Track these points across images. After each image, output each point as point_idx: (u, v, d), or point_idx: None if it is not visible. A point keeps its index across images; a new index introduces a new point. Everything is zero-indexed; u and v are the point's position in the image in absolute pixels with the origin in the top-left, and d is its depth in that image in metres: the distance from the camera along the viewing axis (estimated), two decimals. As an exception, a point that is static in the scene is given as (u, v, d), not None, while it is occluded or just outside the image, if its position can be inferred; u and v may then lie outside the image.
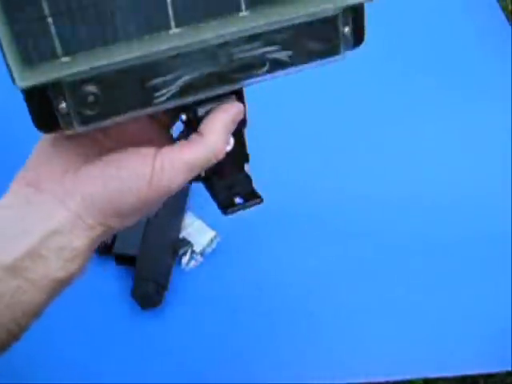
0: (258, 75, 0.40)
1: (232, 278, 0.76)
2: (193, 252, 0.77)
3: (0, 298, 0.36)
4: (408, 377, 0.71)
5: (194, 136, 0.40)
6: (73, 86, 0.36)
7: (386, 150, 0.90)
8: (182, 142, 0.40)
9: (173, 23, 0.36)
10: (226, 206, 0.44)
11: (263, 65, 0.40)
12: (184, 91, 0.38)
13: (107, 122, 0.38)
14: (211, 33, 0.37)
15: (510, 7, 1.47)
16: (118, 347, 0.72)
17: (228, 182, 0.44)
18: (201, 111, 0.40)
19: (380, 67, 1.00)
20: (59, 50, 0.34)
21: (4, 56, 0.34)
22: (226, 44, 0.38)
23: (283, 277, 0.77)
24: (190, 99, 0.39)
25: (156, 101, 0.38)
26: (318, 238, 0.81)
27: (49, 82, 0.35)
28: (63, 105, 0.36)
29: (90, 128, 0.37)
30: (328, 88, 0.95)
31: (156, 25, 0.36)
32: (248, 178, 0.45)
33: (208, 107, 0.40)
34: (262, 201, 0.44)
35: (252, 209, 0.45)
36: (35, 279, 0.37)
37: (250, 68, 0.40)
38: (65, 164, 0.38)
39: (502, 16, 1.11)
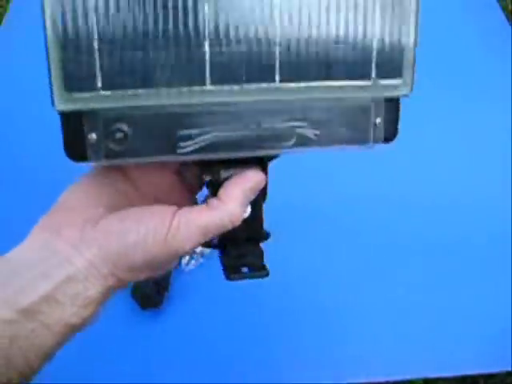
0: (283, 147, 0.40)
1: (232, 278, 0.76)
2: (193, 252, 0.77)
3: (14, 340, 0.36)
4: (408, 377, 0.71)
5: (212, 200, 0.40)
6: (106, 120, 0.38)
7: (386, 150, 0.90)
8: (201, 205, 0.40)
9: (208, 80, 0.38)
10: (232, 272, 0.44)
11: (290, 138, 0.40)
12: (208, 148, 0.39)
13: (130, 161, 0.39)
14: (243, 97, 0.38)
15: (510, 7, 1.47)
16: (118, 347, 0.72)
17: (240, 252, 0.44)
18: (223, 175, 0.41)
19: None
20: (100, 83, 0.37)
21: (50, 79, 0.36)
22: (255, 110, 0.39)
23: (283, 277, 0.77)
24: (213, 156, 0.40)
25: (180, 151, 0.39)
26: (318, 238, 0.81)
27: (84, 111, 0.37)
28: (93, 135, 0.38)
29: (113, 163, 0.39)
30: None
31: (192, 79, 0.38)
32: (260, 252, 0.45)
33: (231, 172, 0.41)
34: (267, 275, 0.45)
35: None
36: (50, 323, 0.37)
37: (276, 138, 0.40)
38: (87, 213, 0.39)
39: (502, 16, 1.12)
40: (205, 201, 0.43)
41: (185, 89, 0.38)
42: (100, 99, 0.37)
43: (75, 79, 0.36)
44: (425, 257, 0.79)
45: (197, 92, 0.38)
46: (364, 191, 0.84)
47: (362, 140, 0.42)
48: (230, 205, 0.39)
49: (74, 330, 0.39)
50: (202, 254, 0.77)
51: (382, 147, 0.93)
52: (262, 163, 0.42)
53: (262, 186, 0.42)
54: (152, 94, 0.37)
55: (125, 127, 0.38)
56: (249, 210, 0.42)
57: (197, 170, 0.44)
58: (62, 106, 0.37)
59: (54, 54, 0.36)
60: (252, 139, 0.40)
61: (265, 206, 0.45)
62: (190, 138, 0.39)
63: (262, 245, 0.46)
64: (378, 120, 0.42)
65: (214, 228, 0.39)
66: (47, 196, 0.41)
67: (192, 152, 0.39)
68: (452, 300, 0.75)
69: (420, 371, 0.71)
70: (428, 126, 0.93)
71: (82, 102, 0.37)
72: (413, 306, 0.74)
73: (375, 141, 0.43)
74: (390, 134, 0.43)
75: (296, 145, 0.41)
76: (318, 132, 0.41)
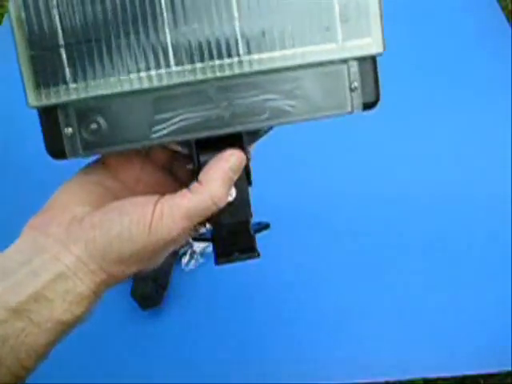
0: (256, 122, 0.40)
1: (232, 278, 0.76)
2: (193, 252, 0.77)
3: (5, 340, 0.36)
4: (408, 377, 0.71)
5: (194, 184, 0.40)
6: (79, 112, 0.39)
7: (386, 150, 0.90)
8: (183, 190, 0.40)
9: (172, 61, 0.39)
10: (222, 256, 0.44)
11: (262, 112, 0.40)
12: (181, 130, 0.40)
13: (107, 151, 0.40)
14: (208, 74, 0.39)
15: (510, 7, 1.47)
16: (118, 347, 0.72)
17: (230, 238, 0.44)
18: (202, 159, 0.41)
19: (379, 67, 1.00)
20: (68, 77, 0.38)
21: (21, 77, 0.38)
22: (224, 88, 0.40)
23: (283, 277, 0.77)
24: (186, 137, 0.40)
25: (153, 135, 0.40)
26: (318, 238, 0.81)
27: (57, 105, 0.39)
28: (69, 129, 0.39)
29: (90, 154, 0.40)
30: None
31: (157, 62, 0.39)
32: (250, 235, 0.44)
33: (209, 156, 0.41)
34: (258, 256, 0.44)
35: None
36: (40, 321, 0.37)
37: (248, 114, 0.40)
38: (74, 211, 0.40)
39: (501, 16, 1.11)
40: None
41: (152, 72, 0.39)
42: (70, 92, 0.38)
43: (44, 75, 0.38)
44: (425, 257, 0.79)
45: (163, 75, 0.39)
46: (363, 190, 0.84)
47: (340, 107, 0.41)
48: (210, 186, 0.39)
49: (66, 327, 0.38)
50: (201, 254, 0.77)
51: (382, 146, 0.93)
52: (240, 144, 0.41)
53: (242, 164, 0.41)
54: (120, 82, 0.39)
55: (98, 117, 0.39)
56: (234, 193, 0.42)
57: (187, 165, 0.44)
58: (35, 102, 0.38)
59: (22, 52, 0.37)
60: (224, 117, 0.40)
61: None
62: (162, 121, 0.40)
63: (257, 235, 0.46)
64: (355, 84, 0.41)
65: (198, 212, 0.39)
66: (40, 197, 0.41)
67: (166, 135, 0.40)
68: (452, 300, 0.75)
69: (420, 371, 0.71)
70: (428, 125, 0.93)
71: (54, 96, 0.38)
72: (413, 306, 0.74)
73: (354, 107, 0.41)
74: (370, 98, 0.42)
75: (270, 118, 0.40)
76: (293, 103, 0.40)
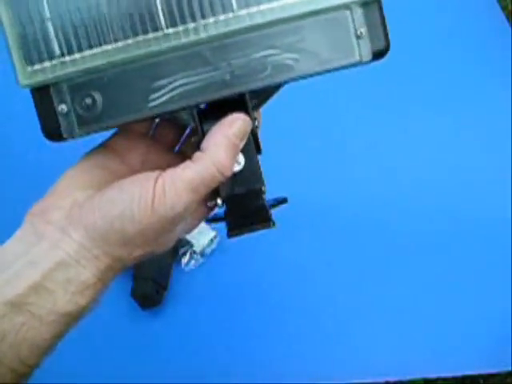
0: (258, 80, 0.38)
1: (232, 278, 0.76)
2: (193, 252, 0.77)
3: (3, 337, 0.34)
4: (408, 377, 0.71)
5: (196, 153, 0.37)
6: (72, 88, 0.37)
7: (386, 150, 0.90)
8: (186, 162, 0.37)
9: (163, 24, 0.37)
10: (234, 229, 0.42)
11: (263, 69, 0.38)
12: (181, 96, 0.38)
13: (105, 126, 0.38)
14: (202, 34, 0.37)
15: (509, 7, 1.47)
16: (118, 347, 0.72)
17: (243, 210, 0.41)
18: (205, 128, 0.39)
19: (379, 68, 1.00)
20: (58, 50, 0.36)
21: (10, 56, 0.36)
22: (221, 47, 0.37)
23: (283, 277, 0.77)
24: (187, 104, 0.38)
25: (152, 104, 0.38)
26: (318, 238, 0.81)
27: (49, 82, 0.37)
28: (63, 106, 0.37)
29: (88, 131, 0.38)
30: (335, 89, 0.95)
31: (147, 26, 0.37)
32: (265, 207, 0.42)
33: (214, 124, 0.38)
34: (273, 225, 0.42)
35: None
36: (42, 315, 0.35)
37: (248, 73, 0.38)
38: (75, 196, 0.38)
39: (502, 16, 1.11)
40: None
41: (141, 38, 0.37)
42: (61, 66, 0.37)
43: (33, 51, 0.36)
44: (425, 257, 0.78)
45: (154, 39, 0.37)
46: (362, 191, 0.84)
47: (347, 56, 0.38)
48: (213, 153, 0.36)
49: (71, 319, 0.36)
50: (202, 254, 0.77)
51: (382, 146, 0.93)
52: (244, 108, 0.39)
53: (247, 129, 0.39)
54: (111, 51, 0.37)
55: (92, 91, 0.38)
56: (242, 161, 0.40)
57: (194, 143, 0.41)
58: (25, 81, 0.37)
59: (10, 31, 0.36)
60: (224, 78, 0.38)
61: None
62: (159, 89, 0.38)
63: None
64: (361, 30, 0.38)
65: (203, 182, 0.36)
66: (42, 186, 0.40)
67: (164, 103, 0.38)
68: (452, 300, 0.75)
69: (420, 371, 0.71)
70: (427, 125, 0.93)
71: (44, 73, 0.37)
72: (413, 306, 0.74)
73: (363, 55, 0.39)
74: (379, 46, 0.39)
75: (273, 75, 0.38)
76: (296, 56, 0.38)
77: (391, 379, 0.70)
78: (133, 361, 0.71)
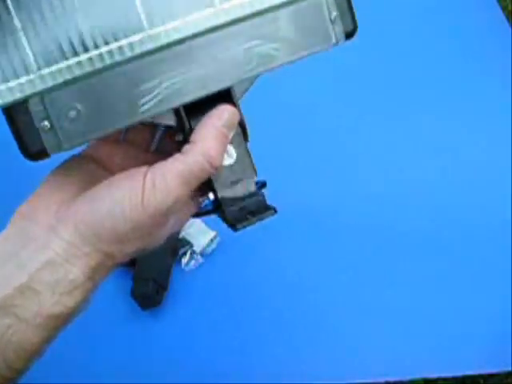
0: (246, 72, 0.38)
1: (232, 278, 0.76)
2: (193, 252, 0.77)
3: None
4: (408, 377, 0.71)
5: (185, 146, 0.37)
6: (53, 102, 0.35)
7: (386, 150, 0.90)
8: (175, 155, 0.37)
9: (146, 25, 0.36)
10: (236, 222, 0.41)
11: (250, 61, 0.38)
12: (170, 97, 0.37)
13: (94, 137, 0.37)
14: (186, 31, 0.36)
15: (509, 7, 1.47)
16: (118, 347, 0.72)
17: (239, 202, 0.41)
18: (193, 124, 0.38)
19: (380, 68, 1.00)
20: (34, 63, 0.34)
21: None
22: (205, 44, 0.37)
23: (283, 277, 0.77)
24: (178, 103, 0.37)
25: (142, 109, 0.37)
26: (318, 238, 0.81)
27: (29, 98, 0.35)
28: (45, 122, 0.35)
29: (76, 144, 0.36)
30: (335, 89, 0.95)
31: (128, 29, 0.35)
32: (260, 194, 0.42)
33: (201, 119, 0.38)
34: (275, 212, 0.41)
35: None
36: (28, 317, 0.34)
37: (236, 66, 0.38)
38: (61, 196, 0.37)
39: (501, 16, 1.11)
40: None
41: (123, 42, 0.35)
42: (40, 80, 0.34)
43: (8, 66, 0.34)
44: (425, 256, 0.78)
45: (137, 42, 0.35)
46: (362, 191, 0.84)
47: (325, 40, 0.40)
48: (203, 144, 0.36)
49: (59, 321, 0.35)
50: (201, 254, 0.77)
51: (382, 146, 0.93)
52: (230, 100, 0.39)
53: (235, 120, 0.39)
54: (93, 58, 0.35)
55: (75, 103, 0.35)
56: (234, 154, 0.40)
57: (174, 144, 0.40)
58: (4, 99, 0.34)
59: None
60: (212, 74, 0.37)
61: None
62: (148, 92, 0.36)
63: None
64: (334, 14, 0.39)
65: (193, 174, 0.36)
66: (30, 184, 0.39)
67: (156, 105, 0.37)
68: (452, 300, 0.75)
69: (420, 371, 0.71)
70: (427, 125, 0.93)
71: (23, 89, 0.34)
72: (413, 306, 0.74)
73: (338, 38, 0.40)
74: (349, 27, 0.41)
75: (259, 65, 0.38)
76: (277, 46, 0.38)
77: (391, 379, 0.70)
78: (133, 361, 0.71)
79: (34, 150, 0.35)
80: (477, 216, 0.82)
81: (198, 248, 0.77)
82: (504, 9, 1.17)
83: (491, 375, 0.75)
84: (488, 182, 0.86)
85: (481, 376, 0.80)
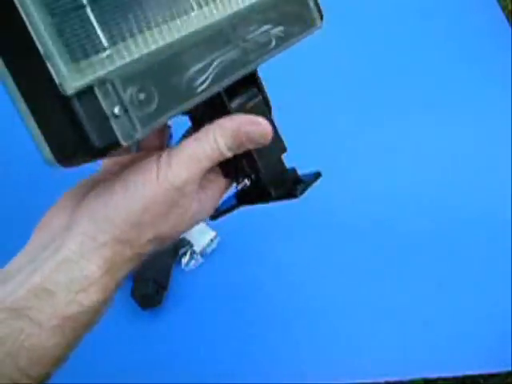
0: (269, 53, 0.40)
1: (232, 278, 0.76)
2: (193, 252, 0.77)
3: (1, 344, 0.31)
4: (408, 377, 0.71)
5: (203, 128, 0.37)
6: (124, 83, 0.32)
7: (385, 150, 0.90)
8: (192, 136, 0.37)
9: (195, 5, 0.36)
10: (295, 189, 0.44)
11: (270, 42, 0.40)
12: (218, 77, 0.37)
13: (163, 120, 0.34)
14: (223, 12, 0.38)
15: (510, 7, 1.47)
16: (118, 347, 0.72)
17: (277, 176, 0.43)
18: (233, 106, 0.40)
19: (379, 68, 1.00)
20: (104, 41, 0.31)
21: (46, 59, 0.29)
22: (235, 25, 0.38)
23: (283, 277, 0.77)
24: (224, 85, 0.38)
25: (200, 89, 0.36)
26: (318, 238, 0.81)
27: (99, 81, 0.31)
28: (117, 108, 0.32)
29: (149, 129, 0.33)
30: (334, 89, 0.95)
31: (180, 8, 0.36)
32: (294, 171, 0.45)
33: (238, 101, 0.40)
34: (320, 175, 0.47)
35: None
36: (42, 320, 0.32)
37: (261, 46, 0.40)
38: (75, 198, 0.36)
39: (502, 16, 1.11)
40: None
41: (178, 21, 0.35)
42: (111, 60, 0.31)
43: (76, 44, 0.30)
44: (425, 257, 0.78)
45: (188, 21, 0.36)
46: (362, 191, 0.84)
47: (312, 25, 0.44)
48: (217, 123, 0.37)
49: (76, 323, 0.33)
50: (201, 254, 0.77)
51: (382, 146, 0.93)
52: (254, 79, 0.42)
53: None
54: (156, 36, 0.34)
55: (144, 84, 0.33)
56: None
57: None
58: (75, 83, 0.30)
59: (40, 21, 0.29)
60: (245, 54, 0.39)
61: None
62: (201, 73, 0.36)
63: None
64: (311, 2, 0.43)
65: (206, 154, 0.36)
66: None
67: (209, 86, 0.37)
68: (452, 300, 0.75)
69: (420, 371, 0.71)
70: (427, 125, 0.93)
71: (94, 70, 0.31)
72: (413, 306, 0.74)
73: (321, 21, 0.44)
74: (321, 12, 0.45)
75: (275, 47, 0.41)
76: (282, 29, 0.41)
77: (391, 379, 0.70)
78: (133, 361, 0.71)
79: (103, 142, 0.31)
80: (477, 216, 0.82)
81: (197, 248, 0.77)
82: (504, 9, 1.17)
83: (491, 375, 0.75)
84: (488, 182, 0.86)
85: (481, 376, 0.80)
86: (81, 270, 0.33)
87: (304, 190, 0.45)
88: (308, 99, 0.92)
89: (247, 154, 0.40)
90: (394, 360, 0.70)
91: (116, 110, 0.31)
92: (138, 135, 0.33)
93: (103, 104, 0.31)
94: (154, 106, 0.33)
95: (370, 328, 0.73)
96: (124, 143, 0.32)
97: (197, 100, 0.36)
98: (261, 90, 0.42)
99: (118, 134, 0.32)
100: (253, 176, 0.42)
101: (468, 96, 0.97)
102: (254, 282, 0.77)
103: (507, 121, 0.93)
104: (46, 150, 0.32)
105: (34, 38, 0.29)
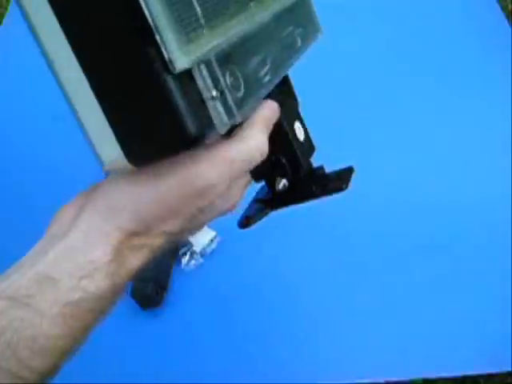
0: (299, 51, 0.41)
1: (232, 278, 0.76)
2: (193, 252, 0.77)
3: (0, 334, 0.29)
4: (408, 377, 0.71)
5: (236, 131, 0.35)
6: (219, 64, 0.30)
7: (385, 150, 0.90)
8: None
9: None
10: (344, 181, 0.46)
11: (296, 42, 0.41)
12: (274, 71, 0.36)
13: (250, 105, 0.33)
14: (269, 11, 0.38)
15: (509, 7, 1.47)
16: (118, 347, 0.72)
17: (321, 175, 0.45)
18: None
19: (380, 68, 1.00)
20: (202, 19, 0.29)
21: (157, 37, 0.27)
22: (272, 24, 0.38)
23: (283, 277, 0.77)
24: (278, 79, 0.37)
25: (265, 80, 0.35)
26: (318, 238, 0.81)
27: (199, 61, 0.28)
28: (213, 91, 0.29)
29: (243, 113, 0.31)
30: (334, 89, 0.95)
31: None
32: (320, 168, 0.46)
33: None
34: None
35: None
36: (43, 308, 0.30)
37: (291, 45, 0.40)
38: (87, 196, 0.35)
39: (501, 16, 1.12)
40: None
41: (252, 4, 0.35)
42: (209, 38, 0.29)
43: (186, 20, 0.28)
44: (424, 257, 0.78)
45: (249, 13, 0.35)
46: (362, 192, 0.84)
47: (318, 29, 0.45)
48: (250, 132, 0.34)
49: (80, 311, 0.31)
50: (202, 254, 0.77)
51: (382, 148, 0.93)
52: (287, 85, 0.42)
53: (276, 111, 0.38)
54: (245, 17, 0.33)
55: (234, 66, 0.31)
56: (302, 131, 0.43)
57: None
58: (185, 59, 0.27)
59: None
60: (283, 52, 0.39)
61: None
62: (263, 64, 0.35)
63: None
64: (313, 9, 0.44)
65: (240, 156, 0.33)
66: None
67: (272, 78, 0.36)
68: (452, 300, 0.75)
69: (420, 371, 0.71)
70: (428, 125, 0.93)
71: (200, 46, 0.28)
72: (413, 306, 0.74)
73: (320, 28, 0.45)
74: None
75: (302, 47, 0.41)
76: (301, 31, 0.42)
77: (391, 379, 0.70)
78: (133, 361, 0.71)
79: (199, 130, 0.28)
80: (477, 216, 0.82)
81: (197, 248, 0.77)
82: (504, 9, 1.17)
83: (491, 375, 0.75)
84: (488, 182, 0.86)
85: (481, 376, 0.80)
86: (84, 253, 0.31)
87: (348, 182, 0.46)
88: (307, 98, 0.92)
89: (287, 152, 0.41)
90: (393, 360, 0.70)
91: (213, 93, 0.29)
92: (235, 119, 0.30)
93: (201, 86, 0.29)
94: (242, 90, 0.31)
95: (370, 328, 0.73)
96: (221, 131, 0.30)
97: (264, 92, 0.35)
98: (291, 88, 0.43)
99: (215, 120, 0.29)
100: (290, 176, 0.42)
101: (468, 96, 0.97)
102: (254, 282, 0.77)
103: (507, 121, 0.93)
104: (112, 148, 0.30)
105: (145, 11, 0.26)
